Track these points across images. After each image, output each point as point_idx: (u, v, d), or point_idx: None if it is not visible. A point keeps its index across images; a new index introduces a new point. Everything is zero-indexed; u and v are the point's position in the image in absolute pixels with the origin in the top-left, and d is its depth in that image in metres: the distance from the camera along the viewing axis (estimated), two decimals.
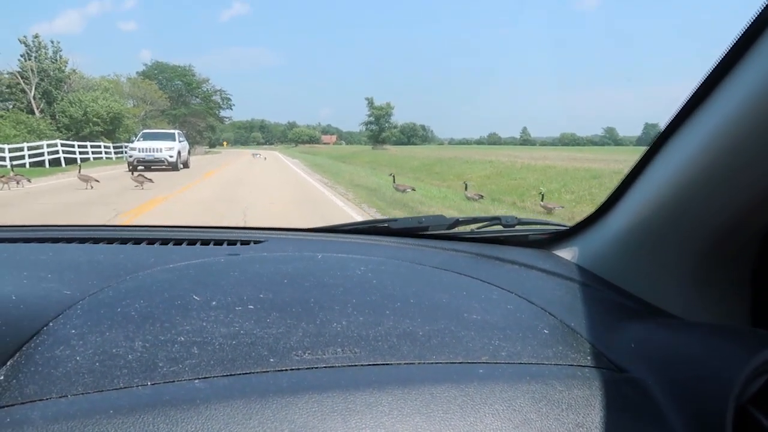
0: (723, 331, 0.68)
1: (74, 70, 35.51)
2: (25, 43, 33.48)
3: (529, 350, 0.67)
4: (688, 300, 0.79)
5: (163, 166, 20.41)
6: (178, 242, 1.21)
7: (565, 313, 0.80)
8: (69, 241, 1.18)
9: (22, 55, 33.51)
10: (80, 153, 26.86)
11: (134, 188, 12.31)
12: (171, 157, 20.58)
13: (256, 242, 1.20)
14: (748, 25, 0.62)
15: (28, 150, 22.62)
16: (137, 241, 1.20)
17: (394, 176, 13.14)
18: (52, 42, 34.19)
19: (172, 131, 24.18)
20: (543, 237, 1.20)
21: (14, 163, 20.32)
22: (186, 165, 22.79)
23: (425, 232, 1.30)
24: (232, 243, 1.20)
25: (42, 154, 23.36)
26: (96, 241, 1.19)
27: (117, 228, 1.36)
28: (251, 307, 0.73)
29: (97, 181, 12.97)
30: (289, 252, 1.10)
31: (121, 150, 31.47)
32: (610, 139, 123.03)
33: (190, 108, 59.30)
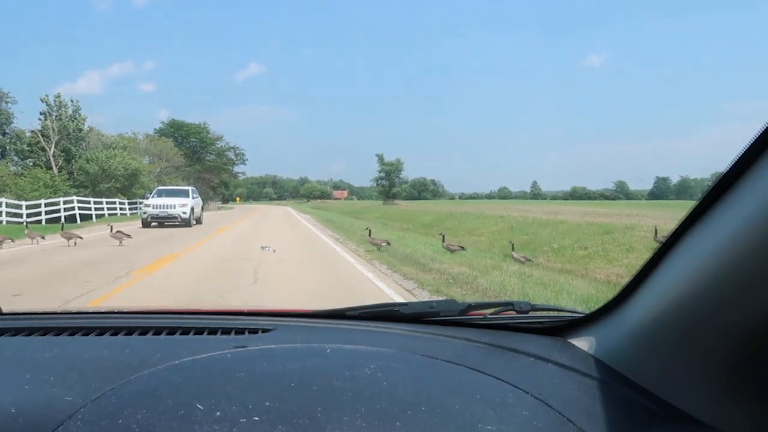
0: None
1: (92, 128, 36.46)
2: (46, 102, 34.56)
3: None
4: (720, 407, 0.74)
5: (177, 223, 20.63)
6: (185, 331, 1.17)
7: (584, 419, 0.76)
8: (74, 332, 1.16)
9: (42, 113, 34.56)
10: (96, 209, 27.30)
11: (116, 245, 12.43)
12: (184, 213, 20.83)
13: (264, 331, 1.17)
14: None
15: (45, 206, 23.04)
16: (143, 331, 1.17)
17: (443, 236, 12.75)
18: (72, 101, 35.24)
19: (185, 188, 24.57)
20: (558, 324, 1.16)
21: (29, 219, 20.70)
22: (199, 221, 23.01)
23: (437, 318, 1.26)
24: (239, 332, 1.16)
25: (58, 211, 23.74)
26: (101, 331, 1.16)
27: (123, 315, 1.33)
28: (256, 418, 0.70)
29: (80, 237, 13.36)
30: (297, 343, 1.07)
31: (135, 206, 31.94)
32: (621, 192, 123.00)
33: (204, 164, 60.31)
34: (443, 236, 12.73)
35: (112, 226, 14.86)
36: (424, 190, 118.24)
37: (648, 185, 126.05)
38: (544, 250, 14.12)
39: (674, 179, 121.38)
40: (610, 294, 1.04)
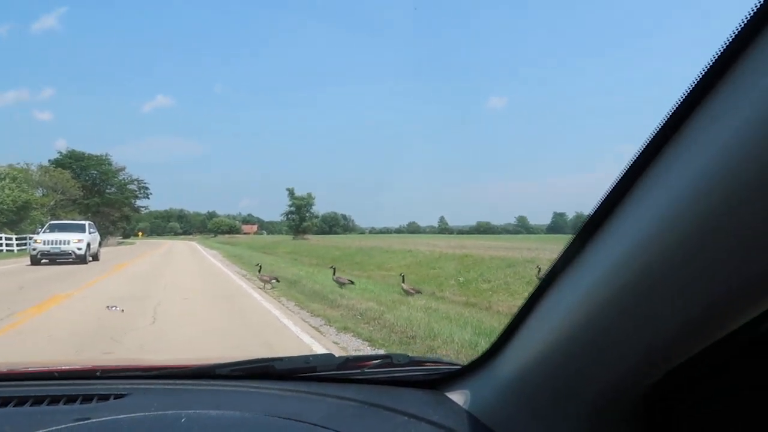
0: None
1: None
2: None
3: None
4: None
5: (71, 259, 19.31)
6: (22, 401, 1.01)
7: None
8: None
9: None
10: None
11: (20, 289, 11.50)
12: (79, 249, 19.55)
13: (116, 396, 1.05)
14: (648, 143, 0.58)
15: None
16: None
17: (334, 269, 12.99)
18: None
19: (81, 222, 23.10)
20: (435, 377, 1.15)
21: None
22: (96, 258, 21.67)
23: (313, 374, 1.20)
24: (87, 399, 1.04)
25: None
26: None
27: None
28: None
29: None
30: (152, 410, 0.97)
31: (25, 242, 29.59)
32: (522, 227, 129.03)
33: (104, 197, 57.10)
34: (334, 269, 12.94)
35: None
36: (335, 225, 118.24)
37: (546, 220, 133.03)
38: (450, 283, 14.49)
39: (570, 214, 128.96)
40: (481, 352, 1.06)
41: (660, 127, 0.56)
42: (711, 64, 0.50)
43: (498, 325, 7.54)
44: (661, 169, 0.56)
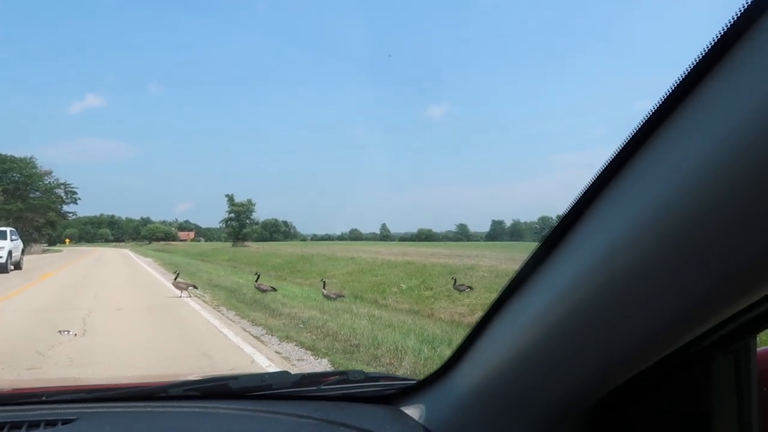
0: None
1: None
2: None
3: None
4: None
5: None
6: None
7: None
8: None
9: None
10: None
11: None
12: (0, 257, 18.40)
13: (64, 422, 0.99)
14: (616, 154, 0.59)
15: None
16: None
17: (258, 275, 12.87)
18: None
19: (3, 229, 21.71)
20: (390, 393, 1.16)
21: None
22: (18, 266, 20.47)
23: (269, 392, 1.19)
24: (33, 425, 0.98)
25: None
26: None
27: None
28: None
29: None
30: None
31: None
32: (463, 234, 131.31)
33: (27, 203, 54.10)
34: (258, 275, 12.96)
35: None
36: (275, 232, 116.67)
37: (485, 228, 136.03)
38: (393, 291, 14.52)
39: (508, 222, 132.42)
40: (454, 334, 1.07)
41: (617, 151, 0.58)
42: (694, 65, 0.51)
43: (440, 332, 7.58)
44: (621, 187, 0.58)
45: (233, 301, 10.69)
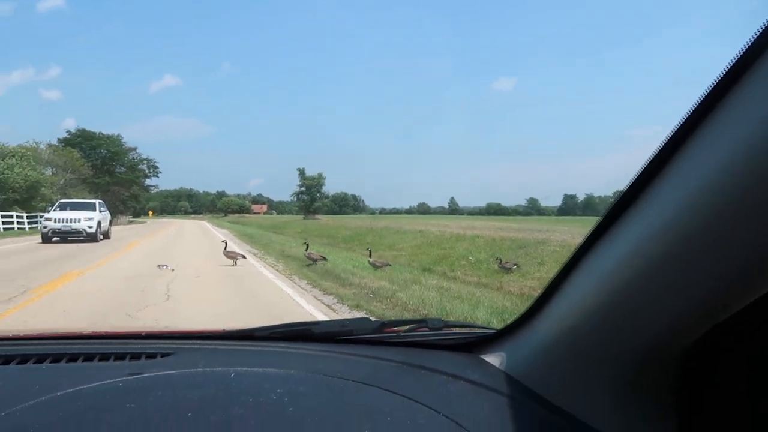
0: None
1: None
2: None
3: None
4: (618, 418, 0.76)
5: (81, 238, 19.43)
6: (73, 358, 1.05)
7: None
8: None
9: None
10: None
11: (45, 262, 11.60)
12: (90, 227, 19.64)
13: (163, 355, 1.08)
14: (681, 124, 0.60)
15: None
16: (23, 360, 1.03)
17: (307, 244, 13.21)
18: None
19: (92, 201, 23.18)
20: (470, 341, 1.17)
21: None
22: (107, 236, 21.81)
23: (350, 337, 1.22)
24: (135, 357, 1.07)
25: None
26: None
27: (1, 342, 1.19)
28: None
29: None
30: (198, 368, 0.99)
31: (36, 220, 29.79)
32: (533, 208, 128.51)
33: (114, 177, 57.41)
34: (307, 245, 13.13)
35: None
36: (345, 205, 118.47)
37: (557, 202, 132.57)
38: (461, 264, 14.45)
39: (581, 196, 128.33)
40: (523, 307, 1.06)
41: (694, 107, 0.58)
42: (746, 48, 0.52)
43: (510, 305, 7.50)
44: (695, 147, 0.59)
45: (305, 270, 10.97)
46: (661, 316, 0.66)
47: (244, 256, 12.13)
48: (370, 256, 12.44)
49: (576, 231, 19.28)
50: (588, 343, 0.77)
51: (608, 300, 0.72)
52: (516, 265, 12.37)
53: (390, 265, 11.90)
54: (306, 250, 12.48)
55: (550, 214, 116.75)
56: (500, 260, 12.58)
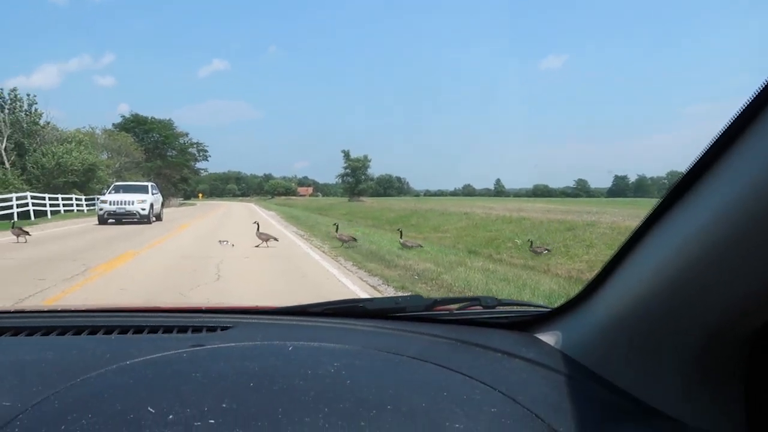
0: None
1: (48, 123, 35.33)
2: (0, 95, 33.38)
3: None
4: (687, 401, 0.74)
5: (135, 219, 20.10)
6: (139, 330, 1.11)
7: (552, 415, 0.74)
8: (17, 332, 1.08)
9: None
10: (51, 205, 26.42)
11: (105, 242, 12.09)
12: (143, 209, 20.29)
13: (222, 328, 1.12)
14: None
15: None
16: (93, 330, 1.10)
17: (337, 225, 13.48)
18: (28, 95, 34.25)
19: (145, 183, 23.92)
20: (524, 319, 1.15)
21: None
22: (159, 218, 22.49)
23: (402, 314, 1.23)
24: (197, 330, 1.12)
25: (11, 207, 22.88)
26: (47, 331, 1.09)
27: (72, 314, 1.26)
28: (212, 421, 0.66)
29: (29, 234, 13.20)
30: (257, 341, 1.03)
31: (93, 202, 31.01)
32: (582, 190, 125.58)
33: (165, 160, 59.11)
34: (336, 226, 13.34)
35: (13, 223, 14.99)
36: (389, 187, 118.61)
37: (607, 183, 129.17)
38: (507, 246, 14.29)
39: (632, 178, 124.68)
40: (571, 290, 1.04)
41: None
42: None
43: (557, 287, 7.39)
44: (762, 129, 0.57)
45: (350, 252, 11.07)
46: (734, 294, 0.64)
47: (276, 239, 12.26)
48: (401, 236, 12.47)
49: (627, 213, 18.76)
50: (654, 321, 0.75)
51: (672, 277, 0.70)
52: (548, 249, 12.19)
53: (421, 246, 11.89)
54: (336, 231, 12.66)
55: (599, 196, 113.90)
56: (531, 243, 12.46)
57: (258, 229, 12.86)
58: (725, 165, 0.62)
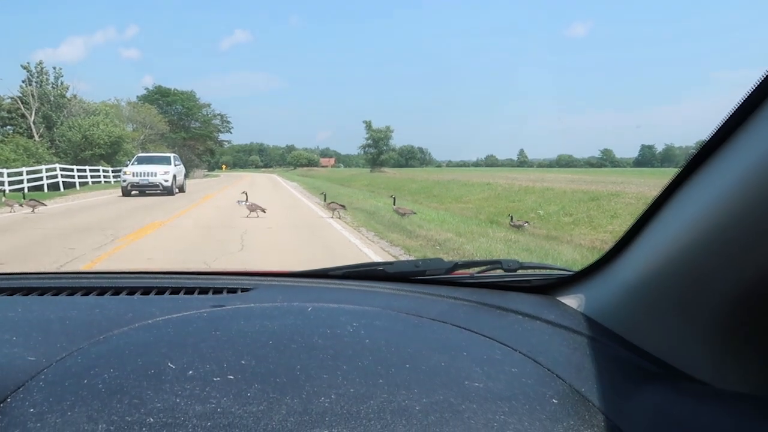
0: (756, 402, 0.62)
1: (75, 96, 35.77)
2: (27, 69, 33.89)
3: (538, 426, 0.61)
4: (715, 363, 0.72)
5: (158, 191, 20.29)
6: (161, 291, 1.14)
7: (574, 376, 0.74)
8: (43, 292, 1.11)
9: (23, 81, 33.87)
10: (79, 177, 26.91)
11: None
12: (166, 181, 20.43)
13: (243, 290, 1.14)
14: None
15: (27, 174, 22.64)
16: (117, 291, 1.13)
17: (394, 199, 13.18)
18: (54, 68, 34.76)
19: (167, 155, 24.07)
20: (546, 282, 1.14)
21: (12, 187, 20.38)
22: (182, 189, 22.64)
23: (423, 277, 1.23)
24: (218, 291, 1.14)
25: (41, 179, 23.37)
26: (72, 291, 1.12)
27: (95, 275, 1.29)
28: (231, 377, 0.67)
29: (44, 204, 13.69)
30: (277, 302, 1.04)
31: (119, 173, 31.51)
32: (607, 160, 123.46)
33: (189, 132, 59.53)
34: (394, 199, 13.22)
35: (24, 195, 15.52)
36: (411, 158, 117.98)
37: (634, 153, 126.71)
38: (530, 216, 14.18)
39: (659, 147, 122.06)
40: (594, 259, 1.02)
41: None
42: None
43: (580, 257, 7.34)
44: None
45: (372, 222, 11.10)
46: (761, 256, 0.62)
47: (414, 212, 11.90)
48: (394, 203, 12.37)
49: (653, 183, 18.45)
50: (681, 282, 0.73)
51: (701, 239, 0.68)
52: (527, 222, 11.97)
53: (415, 213, 11.78)
54: (394, 204, 12.43)
55: (625, 166, 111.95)
56: (511, 217, 12.15)
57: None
58: (756, 125, 0.60)
